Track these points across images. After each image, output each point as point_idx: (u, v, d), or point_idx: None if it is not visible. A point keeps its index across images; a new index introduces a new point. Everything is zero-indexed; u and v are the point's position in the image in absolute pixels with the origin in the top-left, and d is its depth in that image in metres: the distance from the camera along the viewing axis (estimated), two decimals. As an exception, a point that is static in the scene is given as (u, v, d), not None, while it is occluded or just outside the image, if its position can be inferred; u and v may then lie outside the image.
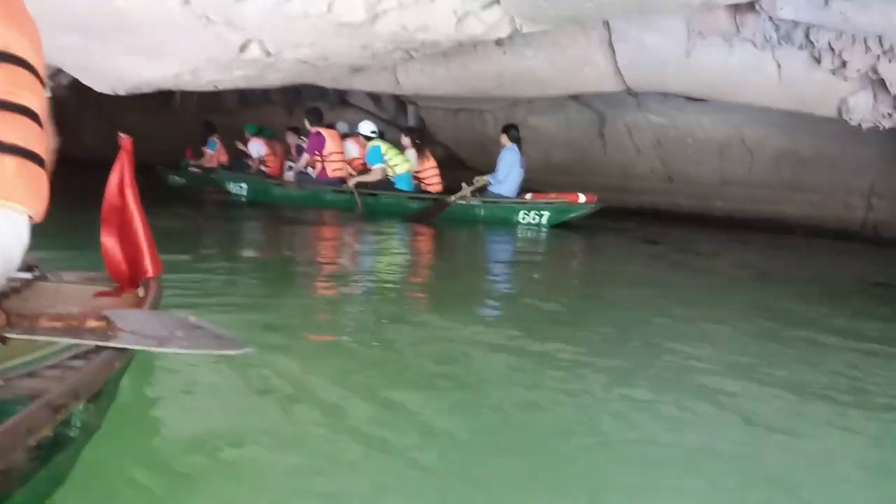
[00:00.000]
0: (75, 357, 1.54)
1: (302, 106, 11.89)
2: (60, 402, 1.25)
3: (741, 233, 8.80)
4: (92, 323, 1.60)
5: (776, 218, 9.11)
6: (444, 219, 8.03)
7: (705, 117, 8.56)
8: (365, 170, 8.83)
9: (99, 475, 1.60)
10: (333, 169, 8.92)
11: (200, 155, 11.61)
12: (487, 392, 2.50)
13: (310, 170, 9.16)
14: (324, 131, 8.97)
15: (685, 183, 9.43)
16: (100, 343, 1.52)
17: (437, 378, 2.57)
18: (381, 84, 7.82)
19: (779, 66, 5.73)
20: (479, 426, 2.17)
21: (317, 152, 8.92)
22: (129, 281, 2.26)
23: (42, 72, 1.58)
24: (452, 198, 8.12)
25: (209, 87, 5.91)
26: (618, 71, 6.32)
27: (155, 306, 2.00)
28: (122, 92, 6.16)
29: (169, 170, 11.30)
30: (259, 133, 10.85)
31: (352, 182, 8.68)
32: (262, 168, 10.43)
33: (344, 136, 9.35)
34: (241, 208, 9.07)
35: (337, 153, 8.99)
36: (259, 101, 11.77)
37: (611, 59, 6.21)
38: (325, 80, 7.64)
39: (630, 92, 7.13)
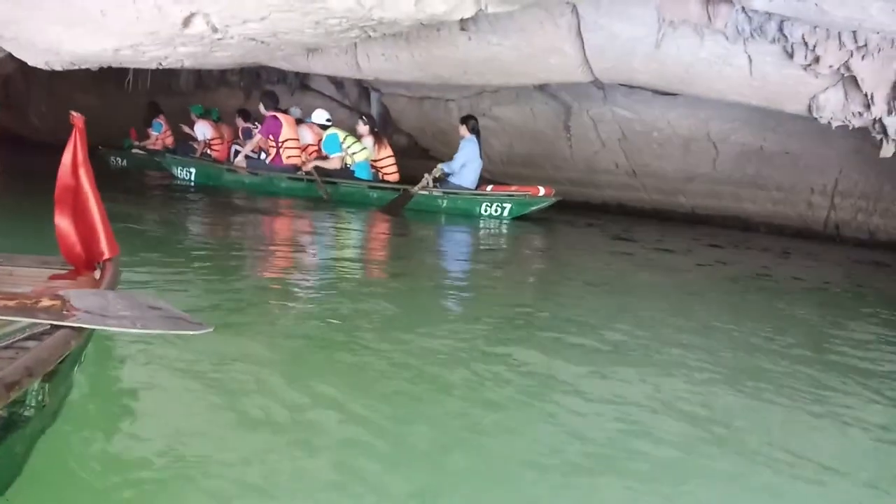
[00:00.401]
0: (30, 338, 1.47)
1: (261, 89, 11.47)
2: (13, 378, 1.19)
3: (704, 229, 8.73)
4: (46, 302, 1.55)
5: (739, 215, 9.03)
6: (406, 209, 7.90)
7: (671, 111, 8.40)
8: (320, 157, 8.58)
9: (55, 459, 1.56)
10: (289, 156, 8.63)
11: (145, 136, 11.17)
12: (445, 398, 2.38)
13: (263, 155, 8.82)
14: (280, 116, 8.67)
15: (649, 178, 9.28)
16: (55, 322, 1.47)
17: (395, 381, 2.46)
18: (341, 67, 7.48)
19: (750, 59, 5.56)
20: (438, 435, 2.05)
21: (271, 137, 8.60)
22: (84, 263, 2.19)
23: None
24: (416, 188, 7.96)
25: (152, 65, 5.53)
26: (585, 60, 6.09)
27: (113, 287, 1.94)
28: (58, 67, 5.73)
29: (111, 151, 10.83)
30: (205, 115, 10.47)
31: (308, 166, 8.39)
32: (208, 151, 10.06)
33: (298, 123, 9.07)
34: (187, 193, 8.65)
35: (293, 139, 8.72)
36: (216, 84, 11.30)
37: (579, 47, 5.98)
38: (280, 61, 7.29)
39: (597, 83, 6.93)
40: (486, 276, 5.07)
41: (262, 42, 4.95)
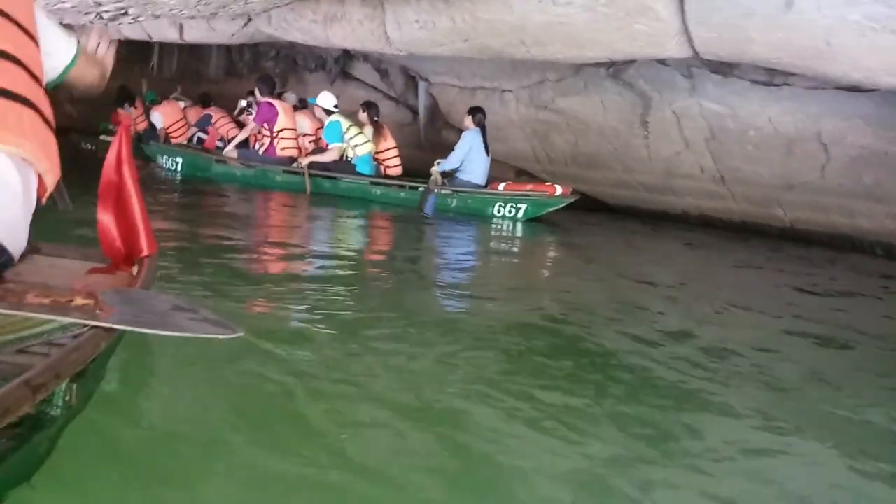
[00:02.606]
0: (63, 336, 1.45)
1: (298, 76, 10.49)
2: (40, 380, 1.21)
3: (805, 248, 7.32)
4: (80, 300, 1.55)
5: (849, 233, 7.56)
6: (413, 208, 7.22)
7: (774, 106, 7.00)
8: (319, 148, 7.89)
9: (78, 457, 1.56)
10: (284, 147, 7.82)
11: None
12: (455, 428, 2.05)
13: (258, 146, 8.06)
14: (276, 103, 7.86)
15: (740, 184, 7.88)
16: (87, 322, 1.45)
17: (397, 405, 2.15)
18: (366, 39, 6.25)
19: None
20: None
21: (266, 125, 7.81)
22: (123, 259, 2.21)
23: (29, 26, 1.55)
24: (433, 185, 7.32)
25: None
26: (684, 27, 4.79)
27: (148, 285, 1.97)
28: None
29: (84, 136, 10.16)
30: (155, 101, 9.97)
31: (304, 161, 7.64)
32: (170, 139, 9.54)
33: (295, 110, 8.42)
34: (167, 186, 7.70)
35: (289, 129, 7.92)
36: (249, 71, 10.34)
37: (676, 8, 4.68)
38: (294, 32, 6.14)
39: (691, 64, 5.64)
40: (525, 293, 3.86)
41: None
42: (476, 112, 7.73)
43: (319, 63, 9.90)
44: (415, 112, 10.26)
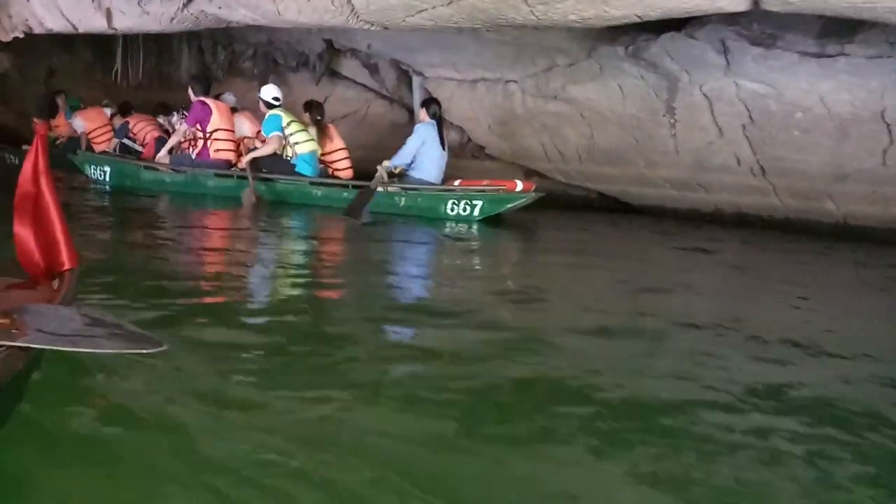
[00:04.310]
0: None
1: (282, 77, 9.51)
2: None
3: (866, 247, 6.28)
4: None
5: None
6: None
7: (826, 82, 5.95)
8: (254, 147, 7.29)
9: None
10: (218, 149, 7.13)
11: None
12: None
13: (192, 150, 7.36)
14: (210, 102, 7.19)
15: (783, 176, 6.83)
16: (3, 343, 1.38)
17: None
18: (325, 11, 5.11)
19: None
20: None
21: (198, 126, 7.12)
22: (43, 273, 2.12)
23: None
24: (373, 184, 6.59)
25: None
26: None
27: (69, 300, 1.92)
28: None
29: (7, 148, 9.38)
30: (78, 107, 9.42)
31: (244, 161, 6.94)
32: (93, 146, 8.93)
33: (233, 111, 7.64)
34: (97, 197, 6.97)
35: (224, 129, 7.25)
36: (224, 73, 9.38)
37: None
38: (240, 10, 5.10)
39: (750, 14, 4.57)
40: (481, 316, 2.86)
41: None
42: (430, 103, 7.09)
43: (302, 61, 8.92)
44: (410, 111, 9.27)
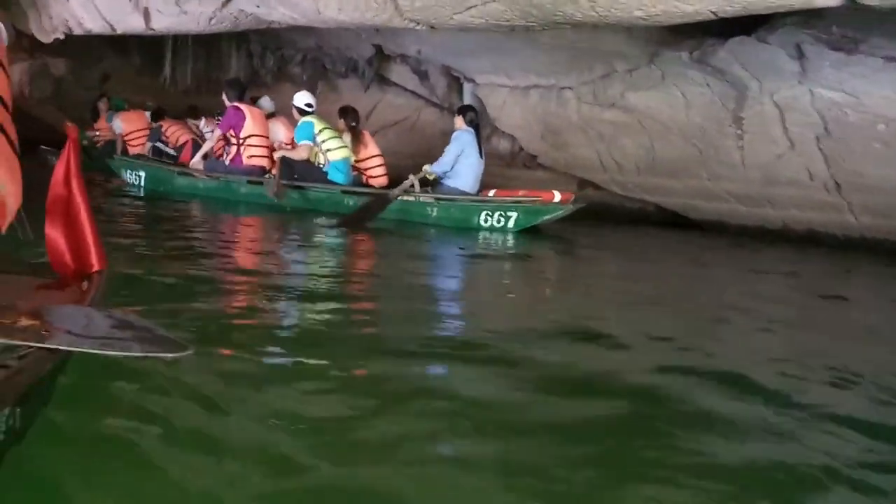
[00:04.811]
0: (14, 356, 1.36)
1: (330, 83, 9.38)
2: None
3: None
4: (25, 321, 1.47)
5: None
6: (388, 220, 6.27)
7: (914, 88, 5.46)
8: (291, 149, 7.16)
9: (23, 481, 1.43)
10: (251, 155, 7.00)
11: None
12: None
13: (225, 155, 7.30)
14: (244, 107, 7.07)
15: (860, 192, 6.32)
16: (31, 344, 1.38)
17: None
18: (366, 9, 4.81)
19: None
20: None
21: (232, 132, 7.00)
22: (73, 274, 2.12)
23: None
24: (395, 191, 6.36)
25: None
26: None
27: (98, 302, 1.89)
28: None
29: (52, 150, 9.35)
30: (121, 108, 9.46)
31: (276, 155, 6.90)
32: (128, 147, 9.02)
33: (269, 117, 7.54)
34: (129, 202, 6.70)
35: (258, 136, 7.08)
36: (273, 79, 9.27)
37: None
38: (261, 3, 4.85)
39: (831, 16, 4.16)
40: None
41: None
42: (467, 110, 6.85)
43: (351, 66, 8.75)
44: (461, 119, 9.00)
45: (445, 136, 7.83)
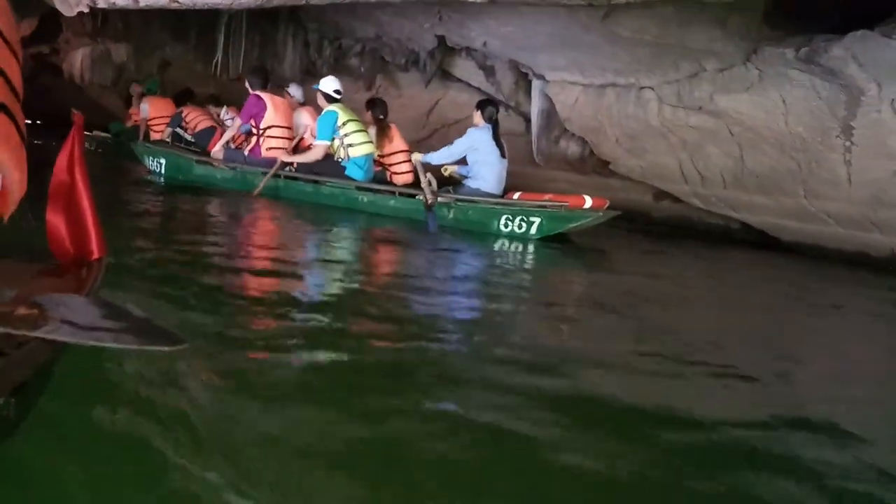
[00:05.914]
0: (10, 345, 1.39)
1: (390, 76, 8.86)
2: None
3: None
4: (22, 311, 1.44)
5: None
6: (399, 220, 5.97)
7: None
8: (305, 149, 6.73)
9: (19, 471, 1.45)
10: (270, 147, 6.68)
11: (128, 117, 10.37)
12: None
13: (246, 146, 7.03)
14: (266, 96, 6.72)
15: None
16: (28, 333, 1.37)
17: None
18: None
19: None
20: None
21: (253, 122, 6.71)
22: (73, 261, 2.14)
23: (13, 42, 1.41)
24: (429, 196, 5.81)
25: None
26: None
27: (96, 290, 1.92)
28: None
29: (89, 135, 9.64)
30: (153, 92, 9.39)
31: (286, 157, 6.59)
32: (151, 132, 8.99)
33: (301, 105, 7.28)
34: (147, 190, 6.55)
35: (279, 126, 6.74)
36: (329, 70, 8.75)
37: None
38: None
39: None
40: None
41: None
42: (487, 105, 6.27)
43: (412, 59, 8.18)
44: (527, 119, 8.35)
45: (510, 138, 7.18)
